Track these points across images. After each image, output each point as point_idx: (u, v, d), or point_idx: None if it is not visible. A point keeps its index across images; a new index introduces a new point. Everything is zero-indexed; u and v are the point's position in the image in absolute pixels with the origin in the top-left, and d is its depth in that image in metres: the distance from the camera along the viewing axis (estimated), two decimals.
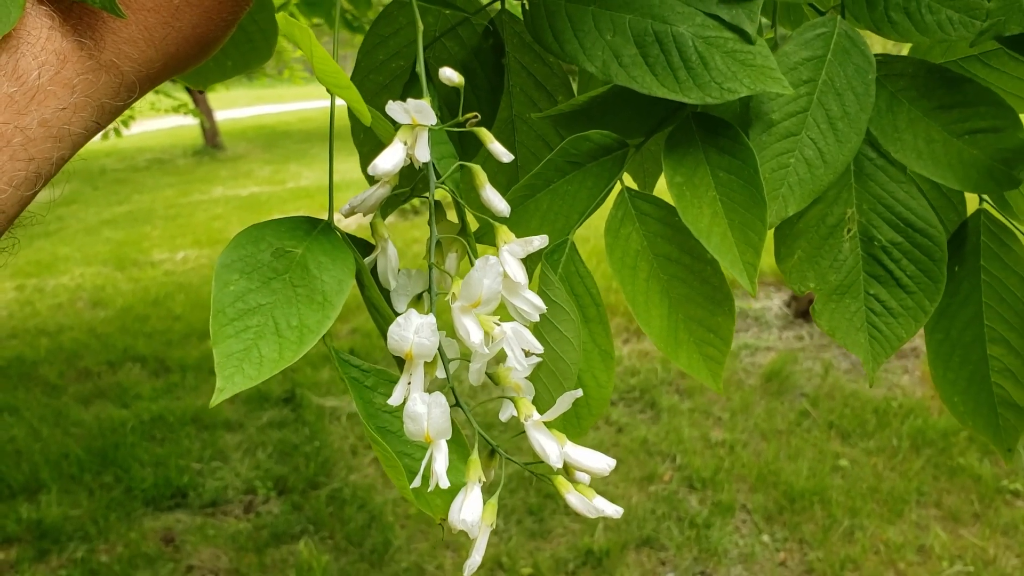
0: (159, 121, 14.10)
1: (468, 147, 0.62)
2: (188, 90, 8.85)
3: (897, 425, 3.33)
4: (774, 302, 4.57)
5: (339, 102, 0.51)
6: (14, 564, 2.73)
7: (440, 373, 0.47)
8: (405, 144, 0.46)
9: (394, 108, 0.46)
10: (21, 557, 2.75)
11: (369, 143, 0.70)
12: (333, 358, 0.48)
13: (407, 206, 6.49)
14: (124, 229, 7.47)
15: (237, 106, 18.41)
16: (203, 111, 10.64)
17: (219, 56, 0.82)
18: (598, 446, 3.33)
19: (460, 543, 2.75)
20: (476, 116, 0.48)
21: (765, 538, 2.74)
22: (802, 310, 4.31)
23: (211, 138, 12.24)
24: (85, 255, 6.52)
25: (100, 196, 9.37)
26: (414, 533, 2.83)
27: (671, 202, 0.60)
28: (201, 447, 3.40)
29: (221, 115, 14.72)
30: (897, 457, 3.13)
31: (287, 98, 20.05)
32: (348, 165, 0.91)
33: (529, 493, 2.97)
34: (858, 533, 2.73)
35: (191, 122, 12.72)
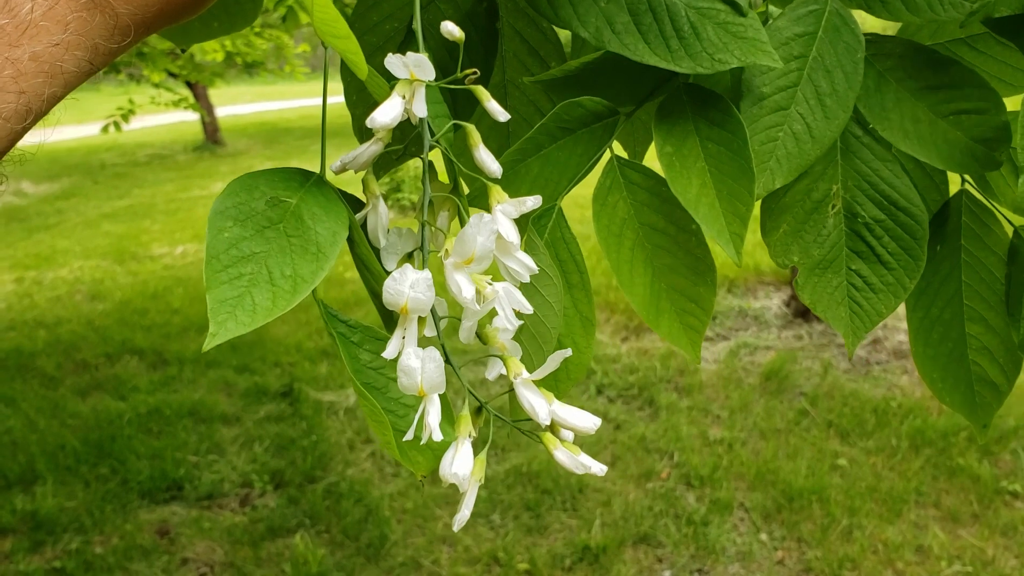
0: (160, 117, 14.11)
1: (461, 109, 0.63)
2: (189, 84, 8.85)
3: (896, 425, 3.33)
4: (773, 301, 4.57)
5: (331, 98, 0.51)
6: (9, 555, 2.73)
7: (429, 331, 0.48)
8: (403, 98, 0.47)
9: (393, 62, 0.46)
10: (16, 548, 2.75)
11: (362, 105, 0.70)
12: (321, 312, 0.49)
13: (407, 202, 6.50)
14: (124, 223, 7.48)
15: (238, 102, 18.43)
16: (204, 107, 10.63)
17: (205, 16, 0.82)
18: (596, 442, 3.33)
19: (456, 538, 2.76)
20: (476, 72, 0.48)
21: (763, 536, 2.74)
22: (801, 309, 4.31)
23: (212, 134, 12.24)
24: (84, 248, 6.53)
25: (100, 190, 9.38)
26: (411, 528, 2.83)
27: (660, 172, 0.60)
28: (198, 440, 3.40)
29: (222, 111, 14.73)
30: (896, 457, 3.13)
31: (288, 95, 20.08)
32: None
33: (527, 489, 2.98)
34: (856, 532, 2.73)
35: (192, 118, 12.72)
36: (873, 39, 0.67)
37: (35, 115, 0.42)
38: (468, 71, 0.48)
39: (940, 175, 0.74)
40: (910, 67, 0.67)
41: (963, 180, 0.74)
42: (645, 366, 3.87)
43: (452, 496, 2.97)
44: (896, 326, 4.16)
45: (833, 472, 3.07)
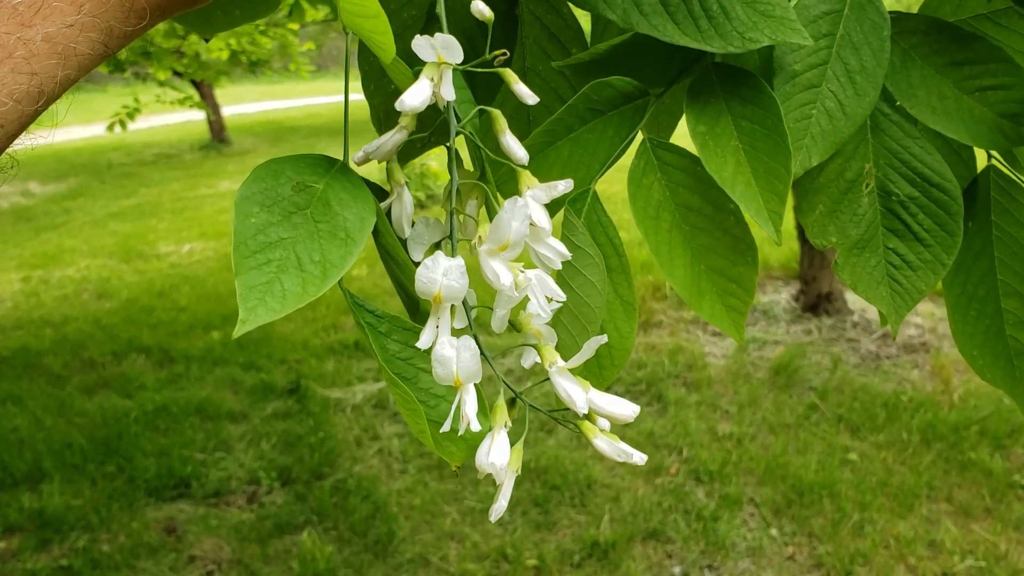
0: (166, 116, 14.12)
1: (480, 96, 0.61)
2: (194, 83, 8.85)
3: (907, 419, 3.31)
4: (782, 296, 4.56)
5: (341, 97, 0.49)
6: (16, 553, 2.73)
7: (460, 323, 0.46)
8: (431, 81, 0.45)
9: (421, 44, 0.45)
10: (23, 546, 2.75)
11: (380, 95, 0.69)
12: (348, 301, 0.47)
13: (415, 199, 6.49)
14: (130, 222, 7.49)
15: (244, 101, 18.42)
16: (210, 106, 10.63)
17: (226, 4, 0.80)
18: None
19: (464, 534, 2.74)
20: (505, 53, 0.46)
21: (773, 532, 2.73)
22: (810, 304, 4.30)
23: (218, 133, 12.23)
24: (91, 247, 6.53)
25: (107, 189, 9.38)
26: (418, 524, 2.82)
27: (693, 152, 0.59)
28: (205, 437, 3.40)
29: (228, 110, 14.71)
30: (907, 451, 3.11)
31: (294, 94, 20.07)
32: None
33: (535, 484, 2.96)
34: (868, 527, 2.72)
35: (198, 117, 12.71)
36: (897, 17, 0.67)
37: (48, 98, 0.41)
38: (497, 52, 0.47)
39: (967, 151, 0.74)
40: (935, 44, 0.67)
41: (989, 155, 0.73)
42: (653, 361, 3.86)
43: (460, 492, 2.96)
44: (906, 320, 4.14)
45: (843, 467, 3.05)
